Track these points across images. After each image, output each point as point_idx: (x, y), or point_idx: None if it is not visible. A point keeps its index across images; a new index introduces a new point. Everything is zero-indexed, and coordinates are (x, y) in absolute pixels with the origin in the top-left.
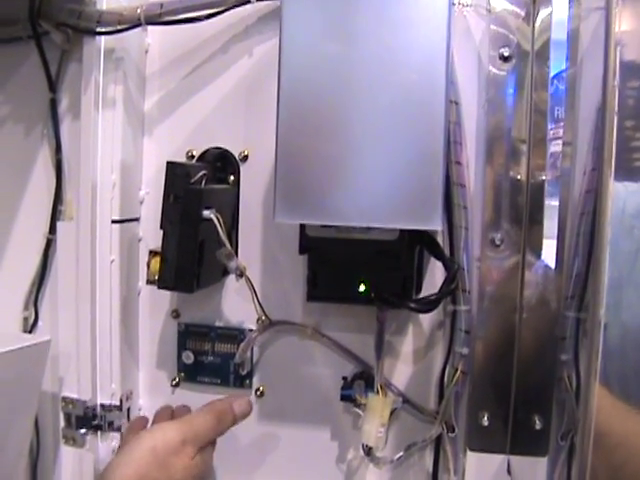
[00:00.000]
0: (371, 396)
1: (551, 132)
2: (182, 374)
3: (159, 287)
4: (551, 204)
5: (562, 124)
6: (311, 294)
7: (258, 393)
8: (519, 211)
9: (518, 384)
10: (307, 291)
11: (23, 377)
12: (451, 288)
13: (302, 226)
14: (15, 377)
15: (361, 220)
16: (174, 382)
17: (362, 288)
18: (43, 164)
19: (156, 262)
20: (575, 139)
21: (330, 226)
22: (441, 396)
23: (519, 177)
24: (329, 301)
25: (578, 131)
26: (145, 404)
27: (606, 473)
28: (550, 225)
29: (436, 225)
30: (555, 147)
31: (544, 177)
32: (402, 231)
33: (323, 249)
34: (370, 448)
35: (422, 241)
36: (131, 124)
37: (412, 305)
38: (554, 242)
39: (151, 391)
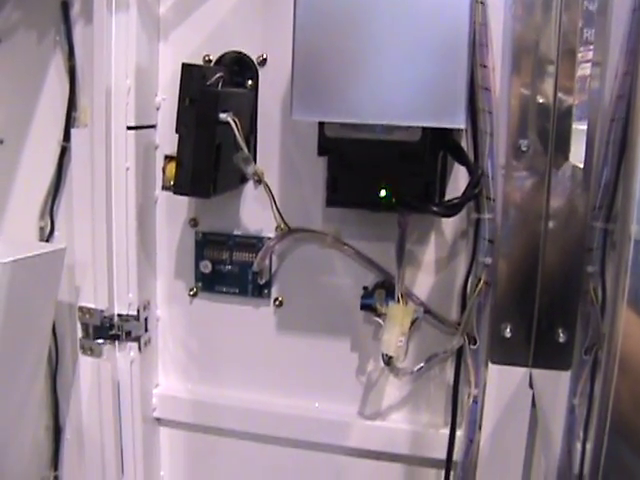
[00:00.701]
0: (391, 305)
1: (579, 55)
2: (200, 284)
3: (175, 192)
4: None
5: (591, 47)
6: (330, 199)
7: (277, 303)
8: (546, 117)
9: (542, 295)
10: (326, 196)
11: (40, 284)
12: (474, 192)
13: (321, 126)
14: (32, 284)
15: (381, 117)
16: (192, 292)
17: (383, 193)
18: (56, 70)
19: (172, 167)
20: (606, 55)
21: (350, 126)
22: (463, 307)
23: (546, 93)
24: (349, 206)
25: (609, 48)
26: (163, 314)
27: (630, 398)
28: (578, 137)
29: (459, 123)
30: (583, 70)
31: (572, 98)
32: (424, 132)
33: (342, 150)
34: (390, 358)
35: (446, 145)
36: (145, 28)
37: (434, 209)
38: (582, 150)
39: (169, 301)
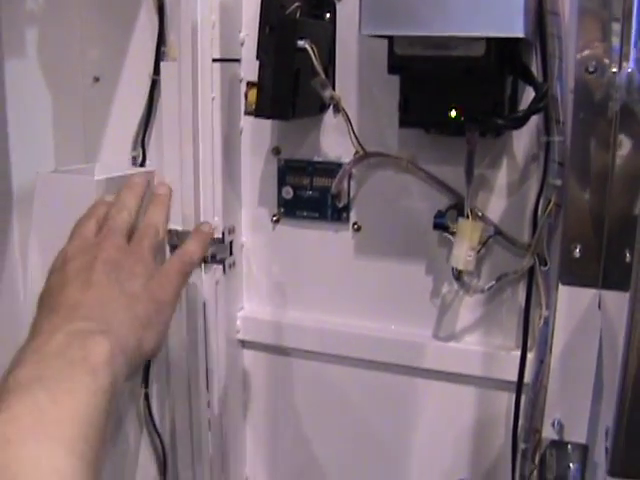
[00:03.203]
0: (461, 220)
1: None
2: (282, 209)
3: (256, 115)
4: None
5: None
6: (402, 119)
7: (355, 227)
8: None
9: (611, 216)
10: (399, 117)
11: None
12: (539, 106)
13: (390, 45)
14: None
15: (444, 29)
16: (274, 218)
17: (453, 113)
18: (146, 8)
19: (253, 93)
20: None
21: (418, 43)
22: (534, 228)
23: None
24: (420, 126)
25: None
26: (247, 240)
27: None
28: None
29: (517, 32)
30: None
31: None
32: (488, 46)
33: (412, 68)
34: (460, 272)
35: (512, 64)
36: None
37: (500, 121)
38: None
39: (253, 227)
